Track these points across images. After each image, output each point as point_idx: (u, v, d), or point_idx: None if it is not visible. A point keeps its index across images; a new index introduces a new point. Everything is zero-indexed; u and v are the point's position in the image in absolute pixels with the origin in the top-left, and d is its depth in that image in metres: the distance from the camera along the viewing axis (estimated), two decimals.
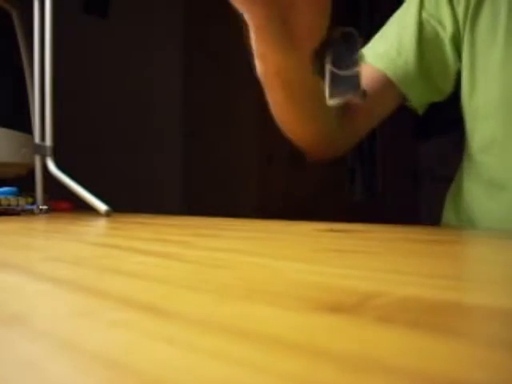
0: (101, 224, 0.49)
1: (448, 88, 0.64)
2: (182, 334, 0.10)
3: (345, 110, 0.63)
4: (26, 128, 0.77)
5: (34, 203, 0.70)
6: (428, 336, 0.10)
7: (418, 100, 0.65)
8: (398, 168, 2.89)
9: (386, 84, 0.64)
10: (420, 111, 0.68)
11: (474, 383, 0.08)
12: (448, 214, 0.71)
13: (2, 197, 0.64)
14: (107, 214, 0.65)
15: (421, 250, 0.26)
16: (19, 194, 0.69)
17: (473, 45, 0.58)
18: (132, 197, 1.75)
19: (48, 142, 0.73)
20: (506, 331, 0.11)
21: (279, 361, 0.09)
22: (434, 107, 0.66)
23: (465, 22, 0.59)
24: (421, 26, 0.62)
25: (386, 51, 0.64)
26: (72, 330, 0.11)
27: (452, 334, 0.10)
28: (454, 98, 0.65)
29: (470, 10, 0.58)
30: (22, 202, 0.67)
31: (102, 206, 0.65)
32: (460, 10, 0.59)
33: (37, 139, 0.73)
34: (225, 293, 0.14)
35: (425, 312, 0.12)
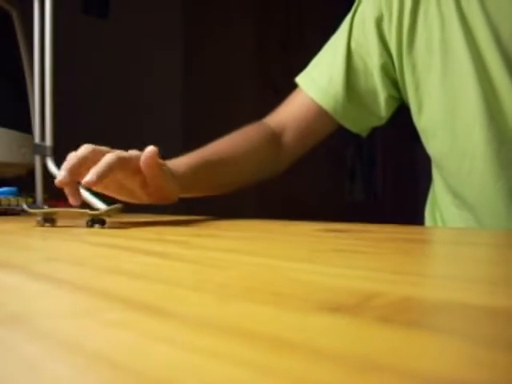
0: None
1: (384, 113, 0.64)
2: (182, 334, 0.10)
3: (278, 151, 0.67)
4: (26, 128, 0.77)
5: (33, 203, 0.70)
6: (427, 336, 0.10)
7: (355, 126, 0.66)
8: (397, 168, 2.89)
9: (319, 113, 0.65)
10: (364, 135, 0.69)
11: (474, 383, 0.08)
12: (427, 221, 0.72)
13: (2, 197, 0.64)
14: (107, 214, 0.65)
15: (420, 250, 0.26)
16: (19, 193, 0.69)
17: (414, 67, 0.58)
18: None
19: (48, 141, 0.73)
20: (505, 331, 0.11)
21: (279, 361, 0.09)
22: None
23: (401, 49, 0.59)
24: (349, 55, 0.63)
25: (318, 80, 0.65)
26: (72, 330, 0.11)
27: (452, 333, 0.10)
28: None
29: (405, 37, 0.58)
30: (22, 201, 0.67)
31: (102, 206, 0.65)
32: (392, 39, 0.59)
33: (37, 139, 0.73)
34: (225, 293, 0.14)
35: (424, 312, 0.12)
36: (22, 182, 0.78)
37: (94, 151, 0.45)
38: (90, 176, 0.41)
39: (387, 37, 0.60)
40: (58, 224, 0.42)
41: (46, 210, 0.45)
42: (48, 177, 0.73)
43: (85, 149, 0.46)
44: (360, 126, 0.67)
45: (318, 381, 0.08)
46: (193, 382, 0.08)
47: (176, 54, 2.14)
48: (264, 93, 2.05)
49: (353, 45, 0.63)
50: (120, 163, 0.45)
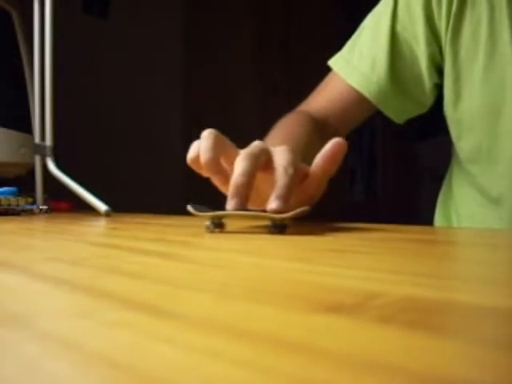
0: (101, 224, 0.49)
1: (428, 101, 0.62)
2: (182, 334, 0.10)
3: (322, 139, 0.63)
4: (26, 128, 0.77)
5: (34, 203, 0.70)
6: (427, 336, 0.10)
7: (396, 114, 0.64)
8: (397, 168, 2.89)
9: (359, 100, 0.62)
10: (401, 121, 0.66)
11: (474, 383, 0.08)
12: (438, 217, 0.71)
13: (2, 197, 0.64)
14: (107, 214, 0.65)
15: (420, 250, 0.26)
16: (19, 194, 0.69)
17: (456, 56, 0.56)
18: (132, 197, 1.75)
19: (48, 141, 0.73)
20: (505, 331, 0.11)
21: (279, 361, 0.09)
22: (434, 107, 0.66)
23: (446, 36, 0.56)
24: (393, 39, 0.59)
25: (359, 66, 0.61)
26: (72, 330, 0.11)
27: (451, 333, 0.10)
28: None
29: (451, 23, 0.55)
30: (22, 202, 0.67)
31: (102, 206, 0.65)
32: (442, 23, 0.56)
33: (37, 139, 0.73)
34: (225, 293, 0.14)
35: (424, 312, 0.12)
36: (22, 182, 0.78)
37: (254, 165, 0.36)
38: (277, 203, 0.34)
39: (436, 20, 0.57)
40: (59, 223, 0.39)
41: (218, 213, 0.36)
42: (48, 177, 0.73)
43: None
44: (401, 114, 0.64)
45: (318, 381, 0.08)
46: (193, 382, 0.08)
47: (176, 54, 2.13)
48: (264, 93, 2.05)
49: (398, 28, 0.59)
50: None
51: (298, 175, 0.37)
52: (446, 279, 0.17)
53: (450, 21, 0.55)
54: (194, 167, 0.40)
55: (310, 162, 0.58)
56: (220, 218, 0.36)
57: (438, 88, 0.61)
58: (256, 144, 0.39)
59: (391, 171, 2.86)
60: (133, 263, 0.21)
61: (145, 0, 2.01)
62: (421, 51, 0.58)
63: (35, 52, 0.73)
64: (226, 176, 0.38)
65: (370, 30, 0.62)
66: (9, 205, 0.64)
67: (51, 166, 0.73)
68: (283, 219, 0.34)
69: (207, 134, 0.39)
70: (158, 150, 2.06)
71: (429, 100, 0.62)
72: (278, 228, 0.34)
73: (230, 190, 0.35)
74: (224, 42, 2.08)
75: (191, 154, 0.39)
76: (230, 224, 0.39)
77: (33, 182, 0.74)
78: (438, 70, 0.59)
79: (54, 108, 0.74)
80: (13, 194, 0.67)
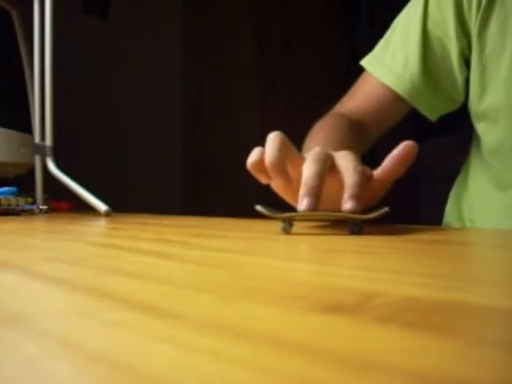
0: (101, 224, 0.49)
1: (460, 96, 0.62)
2: (182, 334, 0.10)
3: (361, 139, 0.63)
4: (26, 128, 0.77)
5: (34, 203, 0.70)
6: (427, 336, 0.10)
7: (430, 111, 0.64)
8: None
9: (394, 98, 0.62)
10: (434, 118, 0.65)
11: (474, 383, 0.08)
12: (450, 211, 0.71)
13: (2, 197, 0.64)
14: (107, 214, 0.65)
15: (420, 250, 0.26)
16: (19, 194, 0.69)
17: (483, 49, 0.56)
18: (132, 197, 1.75)
19: (48, 141, 0.73)
20: (505, 331, 0.11)
21: (279, 361, 0.09)
22: None
23: (474, 28, 0.56)
24: (425, 36, 0.60)
25: (392, 65, 0.62)
26: (72, 330, 0.11)
27: (451, 333, 0.10)
28: None
29: (480, 16, 0.56)
30: (22, 202, 0.67)
31: (102, 206, 0.65)
32: (472, 17, 0.56)
33: (37, 139, 0.73)
34: (225, 293, 0.14)
35: (424, 312, 0.12)
36: (22, 181, 0.78)
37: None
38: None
39: (466, 13, 0.57)
40: (59, 223, 0.39)
41: (296, 214, 0.34)
42: (48, 177, 0.73)
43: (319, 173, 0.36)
44: (435, 110, 0.64)
45: (317, 381, 0.08)
46: (193, 382, 0.08)
47: (176, 54, 2.13)
48: (264, 93, 2.05)
49: (429, 24, 0.59)
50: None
51: (364, 176, 0.37)
52: (446, 279, 0.17)
53: (479, 13, 0.56)
54: (254, 171, 0.39)
55: None
56: (293, 218, 0.35)
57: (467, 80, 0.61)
58: (318, 149, 0.39)
59: None
60: (133, 263, 0.21)
61: (145, 0, 2.01)
62: (452, 47, 0.59)
63: (35, 52, 0.73)
64: (289, 180, 0.38)
65: (401, 28, 0.63)
66: (9, 205, 0.64)
67: (51, 166, 0.73)
68: (364, 220, 0.34)
69: (273, 137, 0.39)
70: (158, 150, 2.06)
71: (461, 95, 0.62)
72: (359, 228, 0.34)
73: (301, 191, 0.35)
74: (224, 42, 2.08)
75: (252, 158, 0.38)
76: (297, 225, 0.38)
77: (33, 182, 0.74)
78: (468, 64, 0.60)
79: (54, 108, 0.74)
80: (13, 193, 0.67)
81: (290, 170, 0.39)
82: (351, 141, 0.58)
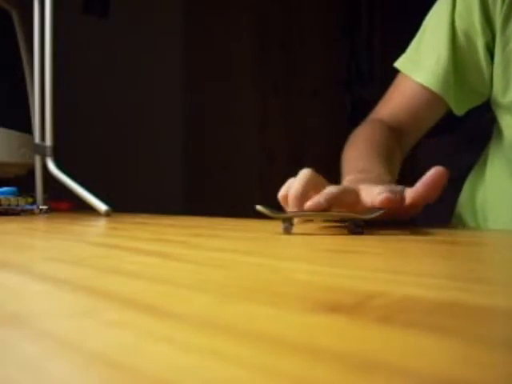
0: (101, 224, 0.49)
1: (487, 90, 0.62)
2: (182, 334, 0.10)
3: (400, 145, 0.64)
4: (26, 128, 0.77)
5: (34, 203, 0.70)
6: (427, 336, 0.10)
7: (459, 107, 0.64)
8: None
9: (431, 97, 0.62)
10: (461, 113, 0.65)
11: (474, 383, 0.08)
12: (463, 201, 0.71)
13: (2, 197, 0.64)
14: (107, 214, 0.65)
15: (420, 250, 0.26)
16: (19, 194, 0.69)
17: (507, 43, 0.57)
18: (132, 197, 1.75)
19: (48, 141, 0.73)
20: (505, 331, 0.11)
21: (279, 361, 0.09)
22: None
23: (498, 22, 0.57)
24: (454, 32, 0.61)
25: (425, 64, 0.62)
26: (72, 330, 0.11)
27: (451, 333, 0.10)
28: None
29: (504, 10, 0.56)
30: (22, 201, 0.67)
31: (102, 206, 0.65)
32: (497, 10, 0.57)
33: (37, 139, 0.73)
34: (225, 293, 0.14)
35: (424, 312, 0.12)
36: (22, 181, 0.78)
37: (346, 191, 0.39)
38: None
39: (491, 9, 0.58)
40: (59, 223, 0.38)
41: (295, 213, 0.36)
42: (48, 177, 0.73)
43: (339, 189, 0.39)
44: (464, 106, 0.64)
45: (317, 380, 0.08)
46: (193, 382, 0.08)
47: (176, 54, 2.13)
48: (264, 93, 2.05)
49: (457, 20, 0.60)
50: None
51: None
52: (446, 279, 0.17)
53: (503, 7, 0.56)
54: (283, 203, 0.41)
55: (393, 172, 0.59)
56: (294, 217, 0.36)
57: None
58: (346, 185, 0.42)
59: None
60: (133, 263, 0.21)
61: (145, 0, 2.01)
62: (478, 41, 0.59)
63: (35, 52, 0.73)
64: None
65: (431, 27, 0.64)
66: (9, 205, 0.64)
67: (51, 166, 0.73)
68: (365, 220, 0.35)
69: (302, 173, 0.41)
70: (158, 150, 2.06)
71: (487, 89, 0.62)
72: (359, 228, 0.35)
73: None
74: (224, 42, 2.08)
75: (283, 191, 0.41)
76: (298, 226, 0.39)
77: (33, 182, 0.74)
78: (493, 58, 0.60)
79: (54, 108, 0.74)
80: (13, 193, 0.67)
81: None
82: (390, 149, 0.59)
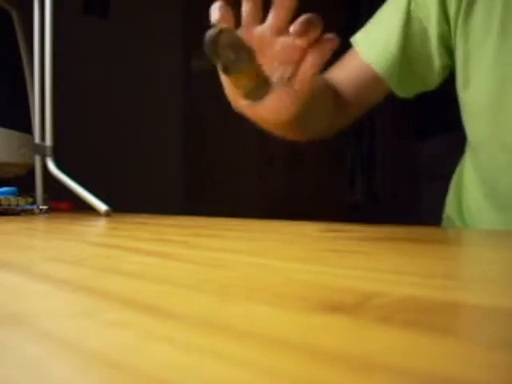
0: (101, 224, 0.49)
1: (435, 81, 0.63)
2: (182, 334, 0.10)
3: (337, 104, 0.64)
4: (26, 128, 0.77)
5: (34, 203, 0.70)
6: (427, 336, 0.10)
7: (403, 91, 0.64)
8: (397, 168, 2.89)
9: (375, 76, 0.63)
10: (403, 96, 0.66)
11: (474, 383, 0.08)
12: (450, 201, 0.71)
13: (2, 197, 0.64)
14: (107, 214, 0.65)
15: (420, 250, 0.26)
16: (19, 194, 0.69)
17: (466, 40, 0.55)
18: (132, 197, 1.75)
19: (48, 141, 0.73)
20: (505, 331, 0.11)
21: (279, 361, 0.09)
22: (433, 107, 0.65)
23: (457, 17, 0.56)
24: (408, 18, 0.60)
25: (375, 42, 0.63)
26: (72, 330, 0.11)
27: (451, 333, 0.10)
28: (454, 97, 0.64)
29: (463, 5, 0.55)
30: (22, 201, 0.67)
31: (101, 206, 0.65)
32: (452, 6, 0.56)
33: (37, 139, 0.73)
34: (225, 293, 0.14)
35: (424, 312, 0.12)
36: (22, 181, 0.78)
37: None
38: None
39: (448, 3, 0.57)
40: (59, 223, 0.38)
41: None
42: (48, 177, 0.73)
43: None
44: (407, 91, 0.65)
45: (317, 381, 0.08)
46: (193, 382, 0.08)
47: (176, 54, 2.13)
48: None
49: (413, 6, 0.60)
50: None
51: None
52: (446, 279, 0.17)
53: (462, 3, 0.55)
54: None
55: (320, 114, 0.59)
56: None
57: (449, 69, 0.61)
58: None
59: (391, 171, 2.86)
60: (133, 263, 0.21)
61: (145, 0, 2.01)
62: (432, 30, 0.59)
63: (35, 52, 0.73)
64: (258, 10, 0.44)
65: (389, 8, 0.64)
66: (9, 205, 0.64)
67: (51, 166, 0.73)
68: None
69: None
70: (158, 150, 2.06)
71: (436, 80, 0.62)
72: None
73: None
74: None
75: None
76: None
77: (33, 182, 0.74)
78: (449, 51, 0.60)
79: (54, 108, 0.74)
80: (13, 193, 0.67)
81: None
82: (327, 96, 0.60)
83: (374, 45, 0.63)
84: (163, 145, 2.08)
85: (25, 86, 0.78)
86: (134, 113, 1.98)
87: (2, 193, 0.66)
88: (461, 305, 0.13)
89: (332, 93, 0.63)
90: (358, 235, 0.34)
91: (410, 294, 0.14)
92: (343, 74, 0.66)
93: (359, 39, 0.66)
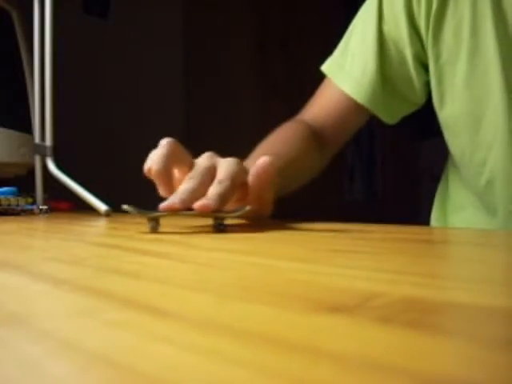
0: (101, 224, 0.49)
1: (419, 99, 0.61)
2: (182, 334, 0.10)
3: (320, 148, 0.63)
4: (26, 128, 0.77)
5: (34, 203, 0.70)
6: (428, 336, 0.10)
7: (389, 116, 0.63)
8: (397, 168, 2.89)
9: (354, 106, 0.61)
10: (394, 123, 0.65)
11: (474, 382, 0.08)
12: (435, 218, 0.70)
13: (2, 197, 0.64)
14: (107, 214, 0.65)
15: (420, 250, 0.26)
16: (19, 194, 0.69)
17: (438, 58, 0.54)
18: (132, 197, 1.75)
19: (48, 141, 0.73)
20: (505, 331, 0.11)
21: (279, 361, 0.09)
22: (433, 107, 0.65)
23: (427, 34, 0.54)
24: (381, 41, 0.58)
25: (351, 71, 0.61)
26: (72, 330, 0.11)
27: (452, 333, 0.10)
28: None
29: (432, 22, 0.53)
30: (22, 201, 0.67)
31: (102, 206, 0.65)
32: (421, 23, 0.55)
33: (37, 139, 0.73)
34: (224, 293, 0.14)
35: (424, 312, 0.12)
36: (22, 181, 0.78)
37: (201, 183, 0.37)
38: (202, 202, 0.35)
39: (417, 19, 0.55)
40: (59, 223, 0.38)
41: (160, 213, 0.36)
42: (48, 177, 0.73)
43: (194, 184, 0.37)
44: (395, 115, 0.63)
45: (317, 381, 0.08)
46: (193, 382, 0.08)
47: (176, 54, 2.13)
48: (264, 93, 2.05)
49: (385, 28, 0.58)
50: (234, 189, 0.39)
51: (239, 185, 0.39)
52: (446, 279, 0.17)
53: (430, 20, 0.54)
54: (150, 176, 0.39)
55: (299, 176, 0.60)
56: (159, 217, 0.36)
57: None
58: (204, 160, 0.41)
59: (391, 171, 2.86)
60: (133, 263, 0.21)
61: (145, 0, 2.01)
62: (407, 50, 0.57)
63: (35, 52, 0.73)
64: (171, 189, 0.39)
65: (359, 32, 0.62)
66: (9, 205, 0.64)
67: (51, 166, 0.73)
68: (226, 217, 0.36)
69: (163, 144, 0.40)
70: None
71: (420, 99, 0.61)
72: (221, 226, 0.36)
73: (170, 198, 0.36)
74: (224, 41, 2.08)
75: (147, 164, 0.39)
76: (166, 225, 0.40)
77: (33, 182, 0.74)
78: (426, 68, 0.58)
79: (54, 108, 0.74)
80: (13, 193, 0.67)
81: (180, 176, 0.40)
82: (305, 151, 0.59)
83: (350, 74, 0.61)
84: None
85: (25, 85, 0.78)
86: (134, 113, 1.98)
87: (2, 193, 0.66)
88: (461, 305, 0.13)
89: (313, 143, 0.61)
90: (358, 235, 0.34)
91: (410, 294, 0.14)
92: (322, 108, 0.64)
93: (332, 68, 0.64)
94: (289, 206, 2.06)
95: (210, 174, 0.39)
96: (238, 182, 0.39)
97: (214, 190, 0.36)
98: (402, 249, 0.27)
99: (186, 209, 0.35)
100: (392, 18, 0.57)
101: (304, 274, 0.18)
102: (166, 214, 0.35)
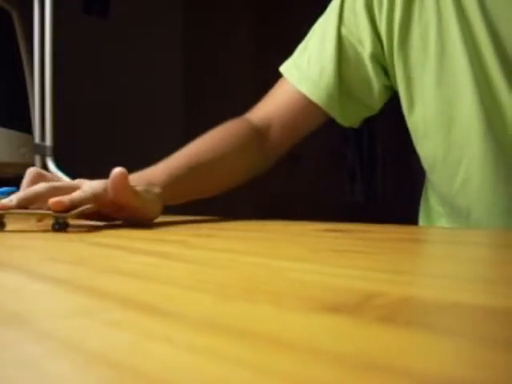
0: (101, 224, 0.49)
1: (377, 104, 0.60)
2: (182, 334, 0.10)
3: (263, 148, 0.63)
4: (26, 128, 0.77)
5: None
6: (427, 336, 0.10)
7: (347, 119, 0.62)
8: (397, 168, 2.89)
9: (309, 107, 0.60)
10: (355, 127, 0.64)
11: (474, 382, 0.08)
12: (422, 207, 0.70)
13: (2, 197, 0.64)
14: None
15: (420, 251, 0.26)
16: None
17: (406, 61, 0.54)
18: None
19: (48, 141, 0.73)
20: (505, 331, 0.11)
21: (279, 361, 0.09)
22: None
23: (391, 40, 0.54)
24: (340, 43, 0.57)
25: (308, 72, 0.60)
26: (72, 330, 0.11)
27: (451, 333, 0.10)
28: None
29: (397, 29, 0.53)
30: None
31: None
32: (382, 27, 0.55)
33: (37, 139, 0.73)
34: (224, 293, 0.14)
35: (424, 312, 0.12)
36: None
37: (53, 189, 0.42)
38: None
39: (378, 22, 0.55)
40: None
41: (5, 211, 0.38)
42: None
43: (43, 187, 0.42)
44: (352, 118, 0.63)
45: (317, 381, 0.08)
46: (193, 382, 0.08)
47: (176, 54, 2.13)
48: (263, 93, 2.05)
49: (343, 31, 0.58)
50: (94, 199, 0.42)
51: (101, 199, 0.42)
52: (446, 279, 0.17)
53: (393, 27, 0.54)
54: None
55: (224, 175, 0.61)
56: (5, 214, 0.38)
57: (391, 89, 0.60)
58: (71, 180, 0.46)
59: (391, 171, 2.86)
60: (133, 263, 0.21)
61: (145, 0, 2.01)
62: (366, 54, 0.57)
63: (35, 52, 0.73)
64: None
65: (319, 33, 0.62)
66: None
67: (51, 166, 0.73)
68: (65, 217, 0.38)
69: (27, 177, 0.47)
70: (158, 151, 2.06)
71: (378, 103, 0.61)
72: (61, 226, 0.38)
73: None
74: (224, 41, 2.08)
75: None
76: (13, 224, 0.42)
77: None
78: (385, 71, 0.58)
79: (54, 108, 0.74)
80: (13, 193, 0.67)
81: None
82: (234, 155, 0.60)
83: (307, 75, 0.61)
84: (163, 145, 2.08)
85: (25, 85, 0.78)
86: (134, 113, 1.98)
87: (2, 193, 0.66)
88: (461, 305, 0.13)
89: (253, 143, 0.61)
90: (358, 235, 0.34)
91: (410, 294, 0.14)
92: (274, 106, 0.63)
93: (290, 69, 0.63)
94: (289, 205, 2.05)
95: (70, 186, 0.43)
96: (98, 195, 0.42)
97: (72, 195, 0.40)
98: (402, 249, 0.27)
99: (22, 207, 0.39)
100: (353, 20, 0.58)
101: (304, 274, 0.18)
102: (10, 212, 0.38)
